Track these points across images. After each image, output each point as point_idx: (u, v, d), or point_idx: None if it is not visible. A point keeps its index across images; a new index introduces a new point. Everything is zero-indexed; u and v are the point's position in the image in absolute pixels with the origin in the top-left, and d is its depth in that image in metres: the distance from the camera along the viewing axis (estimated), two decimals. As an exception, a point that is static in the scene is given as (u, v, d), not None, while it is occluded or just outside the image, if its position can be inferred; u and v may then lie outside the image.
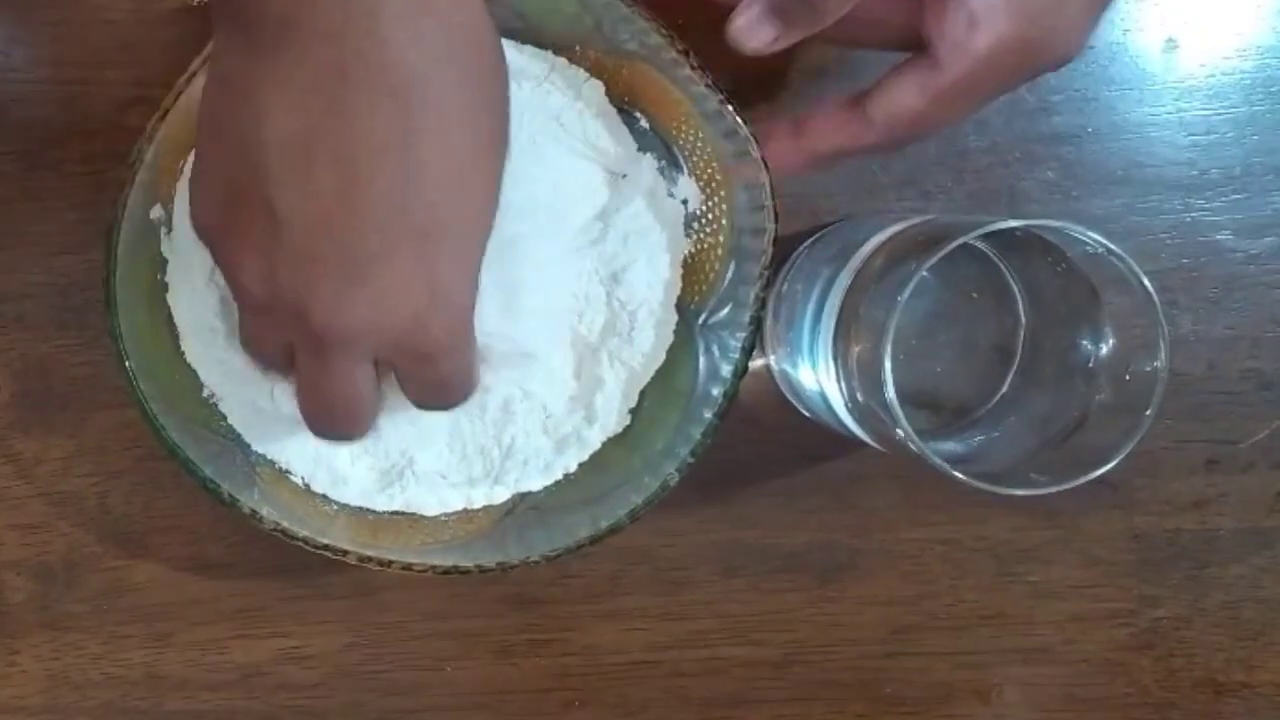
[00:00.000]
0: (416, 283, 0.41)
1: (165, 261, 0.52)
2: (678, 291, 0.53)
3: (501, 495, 0.54)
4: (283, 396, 0.51)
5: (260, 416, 0.53)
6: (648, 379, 0.54)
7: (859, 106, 0.48)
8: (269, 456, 0.53)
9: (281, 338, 0.44)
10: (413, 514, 0.54)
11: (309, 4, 0.39)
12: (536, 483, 0.53)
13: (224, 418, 0.53)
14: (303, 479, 0.53)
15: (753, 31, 0.47)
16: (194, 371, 0.53)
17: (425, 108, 0.40)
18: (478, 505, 0.53)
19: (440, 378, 0.44)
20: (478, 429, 0.53)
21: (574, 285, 0.53)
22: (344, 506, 0.54)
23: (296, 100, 0.40)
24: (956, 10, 0.45)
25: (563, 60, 0.53)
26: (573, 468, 0.54)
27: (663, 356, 0.53)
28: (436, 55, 0.40)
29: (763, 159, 0.51)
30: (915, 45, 0.47)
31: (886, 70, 0.47)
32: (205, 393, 0.53)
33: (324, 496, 0.53)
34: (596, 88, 0.53)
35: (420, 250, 0.41)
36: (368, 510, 0.54)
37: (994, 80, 0.46)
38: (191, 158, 0.51)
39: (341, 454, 0.53)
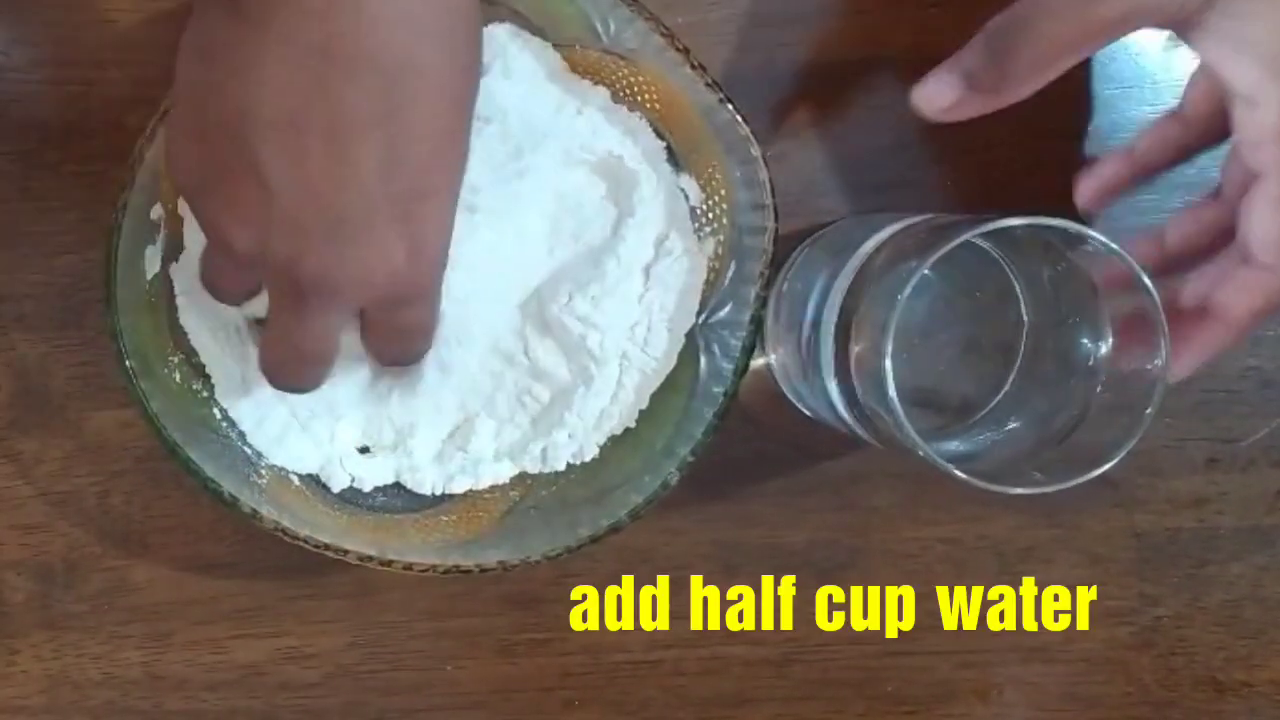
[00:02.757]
0: (399, 241, 0.43)
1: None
2: (696, 296, 0.54)
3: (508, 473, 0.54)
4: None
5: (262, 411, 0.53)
6: (659, 381, 0.54)
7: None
8: (270, 457, 0.53)
9: (251, 285, 0.47)
10: (414, 513, 0.54)
11: None
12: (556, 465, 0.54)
13: (223, 419, 0.53)
14: (311, 472, 0.54)
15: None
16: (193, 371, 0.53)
17: (409, 82, 0.41)
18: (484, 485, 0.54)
19: (407, 323, 0.47)
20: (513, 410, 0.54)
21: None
22: (345, 505, 0.54)
23: (284, 77, 0.41)
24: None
25: (567, 69, 0.53)
26: (587, 458, 0.54)
27: (675, 359, 0.54)
28: (420, 30, 0.41)
29: (763, 159, 0.51)
30: None
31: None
32: (204, 391, 0.53)
33: (324, 495, 0.54)
34: (601, 93, 0.53)
35: (402, 212, 0.43)
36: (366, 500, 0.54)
37: None
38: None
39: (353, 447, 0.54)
